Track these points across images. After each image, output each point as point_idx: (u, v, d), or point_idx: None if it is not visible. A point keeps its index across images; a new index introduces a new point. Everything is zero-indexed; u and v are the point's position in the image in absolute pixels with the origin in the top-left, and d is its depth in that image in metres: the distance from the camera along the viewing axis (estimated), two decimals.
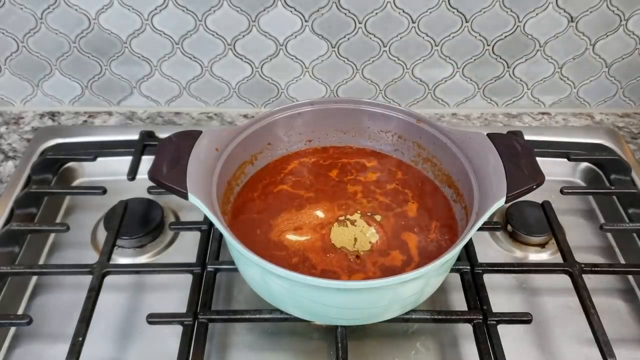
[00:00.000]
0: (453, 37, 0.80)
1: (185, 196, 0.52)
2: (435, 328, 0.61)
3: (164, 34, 0.79)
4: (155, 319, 0.56)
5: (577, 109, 0.89)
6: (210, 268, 0.61)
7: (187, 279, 0.60)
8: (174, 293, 0.62)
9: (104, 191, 0.69)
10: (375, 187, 0.65)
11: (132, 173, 0.71)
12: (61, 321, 0.61)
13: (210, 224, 0.65)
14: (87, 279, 0.59)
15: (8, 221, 0.67)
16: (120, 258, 0.67)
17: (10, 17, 0.77)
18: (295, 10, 0.77)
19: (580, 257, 0.63)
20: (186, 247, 0.68)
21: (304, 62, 0.82)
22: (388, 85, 0.85)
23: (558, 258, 0.64)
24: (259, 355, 0.59)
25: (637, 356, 0.60)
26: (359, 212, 0.61)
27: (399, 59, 0.82)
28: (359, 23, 0.78)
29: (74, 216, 0.74)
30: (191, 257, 0.62)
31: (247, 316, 0.57)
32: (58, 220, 0.73)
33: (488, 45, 0.81)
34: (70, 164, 0.77)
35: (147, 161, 0.66)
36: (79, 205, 0.75)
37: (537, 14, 0.77)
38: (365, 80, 0.85)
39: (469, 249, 0.63)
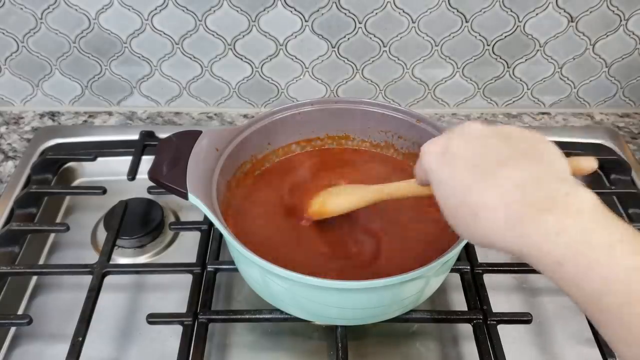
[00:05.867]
0: (453, 37, 0.80)
1: (185, 196, 0.52)
2: (435, 328, 0.61)
3: (164, 34, 0.79)
4: (155, 319, 0.56)
5: (577, 109, 0.89)
6: (210, 268, 0.61)
7: (187, 279, 0.60)
8: (174, 293, 0.62)
9: (104, 191, 0.69)
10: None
11: (132, 173, 0.71)
12: (61, 321, 0.61)
13: (210, 224, 0.65)
14: (87, 279, 0.59)
15: (8, 221, 0.67)
16: (120, 258, 0.67)
17: (10, 17, 0.77)
18: (295, 10, 0.77)
19: None
20: (186, 247, 0.68)
21: (304, 62, 0.82)
22: (388, 85, 0.85)
23: None
24: (259, 355, 0.59)
25: None
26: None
27: (399, 59, 0.82)
28: (359, 23, 0.78)
29: (74, 216, 0.74)
30: (191, 257, 0.62)
31: (247, 316, 0.57)
32: (58, 220, 0.73)
33: (488, 45, 0.81)
34: (70, 164, 0.77)
35: (147, 161, 0.66)
36: (79, 205, 0.75)
37: (537, 14, 0.77)
38: (365, 80, 0.85)
39: (469, 248, 0.63)
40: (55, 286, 0.65)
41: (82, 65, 0.82)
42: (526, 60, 0.83)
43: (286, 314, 0.55)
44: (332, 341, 0.55)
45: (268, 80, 0.85)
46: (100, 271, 0.60)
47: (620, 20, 0.78)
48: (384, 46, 0.81)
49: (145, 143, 0.75)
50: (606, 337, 0.33)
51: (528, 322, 0.57)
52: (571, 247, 0.32)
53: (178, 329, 0.55)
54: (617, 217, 0.33)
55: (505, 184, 0.35)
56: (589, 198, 0.34)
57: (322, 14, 0.77)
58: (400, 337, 0.60)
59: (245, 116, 0.88)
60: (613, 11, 0.77)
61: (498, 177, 0.36)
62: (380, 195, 0.55)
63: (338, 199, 0.59)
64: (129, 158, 0.73)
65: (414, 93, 0.87)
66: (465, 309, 0.58)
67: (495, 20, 0.78)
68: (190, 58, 0.82)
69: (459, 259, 0.61)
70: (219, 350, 0.59)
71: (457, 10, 0.77)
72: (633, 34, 0.80)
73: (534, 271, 0.64)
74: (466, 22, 0.78)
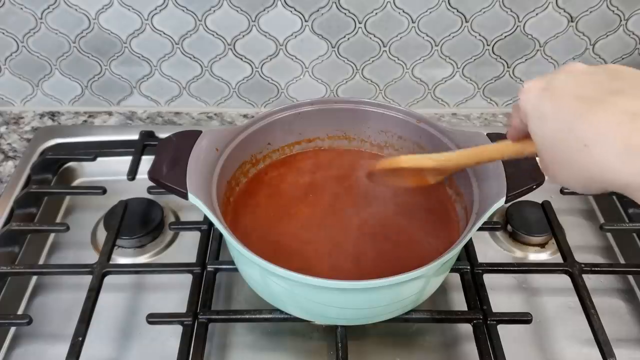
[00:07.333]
0: (453, 37, 0.80)
1: (185, 196, 0.52)
2: (435, 328, 0.61)
3: (164, 34, 0.79)
4: (155, 319, 0.56)
5: None
6: (210, 268, 0.61)
7: (187, 279, 0.60)
8: (174, 293, 0.62)
9: (104, 191, 0.69)
10: (376, 186, 0.65)
11: (132, 173, 0.71)
12: (61, 321, 0.61)
13: (210, 224, 0.65)
14: (87, 279, 0.59)
15: (8, 221, 0.67)
16: (120, 258, 0.67)
17: (10, 17, 0.77)
18: (295, 10, 0.77)
19: (580, 257, 0.63)
20: (186, 247, 0.68)
21: (304, 62, 0.82)
22: (388, 85, 0.85)
23: (558, 258, 0.64)
24: (259, 355, 0.59)
25: (637, 356, 0.60)
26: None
27: (399, 59, 0.82)
28: (359, 23, 0.78)
29: (74, 216, 0.74)
30: (191, 257, 0.62)
31: (247, 316, 0.57)
32: (58, 220, 0.73)
33: (488, 45, 0.81)
34: (70, 164, 0.77)
35: (147, 161, 0.66)
36: (79, 205, 0.75)
37: (537, 14, 0.77)
38: (365, 80, 0.85)
39: (469, 249, 0.63)
40: (55, 286, 0.65)
41: (82, 65, 0.82)
42: (526, 60, 0.83)
43: (286, 314, 0.55)
44: (332, 341, 0.55)
45: (268, 80, 0.85)
46: (100, 271, 0.60)
47: (620, 20, 0.78)
48: (384, 46, 0.81)
49: (145, 143, 0.75)
50: None
51: (528, 322, 0.57)
52: None
53: (178, 329, 0.55)
54: None
55: (622, 112, 0.32)
56: None
57: (322, 14, 0.77)
58: (400, 337, 0.60)
59: (245, 116, 0.88)
60: (613, 11, 0.77)
61: (612, 105, 0.33)
62: (465, 160, 0.52)
63: (413, 157, 0.55)
64: (129, 158, 0.73)
65: (414, 93, 0.87)
66: (465, 309, 0.58)
67: (495, 20, 0.78)
68: (190, 58, 0.82)
69: (459, 259, 0.61)
70: (219, 350, 0.59)
71: (457, 10, 0.77)
72: (633, 34, 0.80)
73: (534, 271, 0.65)
74: (466, 22, 0.78)
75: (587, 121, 0.33)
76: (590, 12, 0.77)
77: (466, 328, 0.58)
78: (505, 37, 0.80)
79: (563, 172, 0.36)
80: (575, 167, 0.35)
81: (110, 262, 0.62)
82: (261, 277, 0.52)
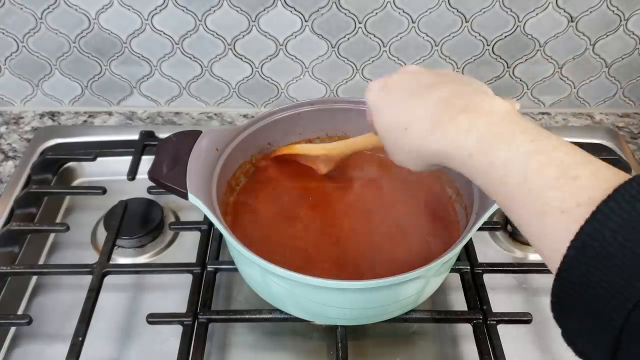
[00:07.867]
0: (453, 37, 0.80)
1: (185, 196, 0.52)
2: (435, 328, 0.61)
3: (164, 34, 0.79)
4: (155, 319, 0.56)
5: (577, 109, 0.89)
6: (210, 268, 0.61)
7: (187, 279, 0.60)
8: (174, 293, 0.62)
9: (104, 191, 0.69)
10: (376, 187, 0.65)
11: (132, 173, 0.71)
12: (61, 321, 0.61)
13: (210, 224, 0.65)
14: (87, 279, 0.59)
15: (8, 221, 0.67)
16: (120, 258, 0.67)
17: (10, 17, 0.77)
18: (295, 10, 0.77)
19: None
20: (186, 247, 0.68)
21: (304, 62, 0.82)
22: None
23: None
24: (259, 355, 0.59)
25: None
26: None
27: (399, 59, 0.82)
28: (359, 23, 0.78)
29: (74, 216, 0.74)
30: (191, 257, 0.62)
31: (247, 316, 0.57)
32: (58, 220, 0.73)
33: (488, 45, 0.81)
34: (70, 164, 0.77)
35: (147, 161, 0.66)
36: (79, 205, 0.75)
37: (537, 14, 0.77)
38: (365, 80, 0.85)
39: (469, 248, 0.63)
40: (55, 286, 0.65)
41: (82, 65, 0.82)
42: (526, 60, 0.83)
43: (286, 314, 0.55)
44: (332, 341, 0.55)
45: (268, 80, 0.85)
46: (100, 271, 0.60)
47: (620, 20, 0.78)
48: (384, 46, 0.81)
49: (145, 143, 0.75)
50: (514, 221, 0.35)
51: (528, 322, 0.57)
52: (480, 139, 0.36)
53: (178, 329, 0.55)
54: (530, 120, 0.36)
55: (431, 100, 0.40)
56: (502, 104, 0.38)
57: (322, 14, 0.77)
58: (400, 337, 0.60)
59: (245, 116, 0.88)
60: (613, 11, 0.77)
61: (427, 95, 0.41)
62: (344, 148, 0.62)
63: (305, 145, 0.66)
64: (129, 158, 0.73)
65: None
66: (465, 309, 0.58)
67: (495, 20, 0.78)
68: (190, 58, 0.82)
69: (459, 259, 0.61)
70: (219, 350, 0.59)
71: (457, 10, 0.77)
72: (633, 34, 0.80)
73: (534, 271, 0.65)
74: (466, 22, 0.78)
75: (407, 109, 0.42)
76: (590, 12, 0.77)
77: (466, 328, 0.58)
78: (505, 37, 0.80)
79: (397, 154, 0.44)
80: (402, 148, 0.43)
81: (110, 262, 0.62)
82: (261, 277, 0.52)
